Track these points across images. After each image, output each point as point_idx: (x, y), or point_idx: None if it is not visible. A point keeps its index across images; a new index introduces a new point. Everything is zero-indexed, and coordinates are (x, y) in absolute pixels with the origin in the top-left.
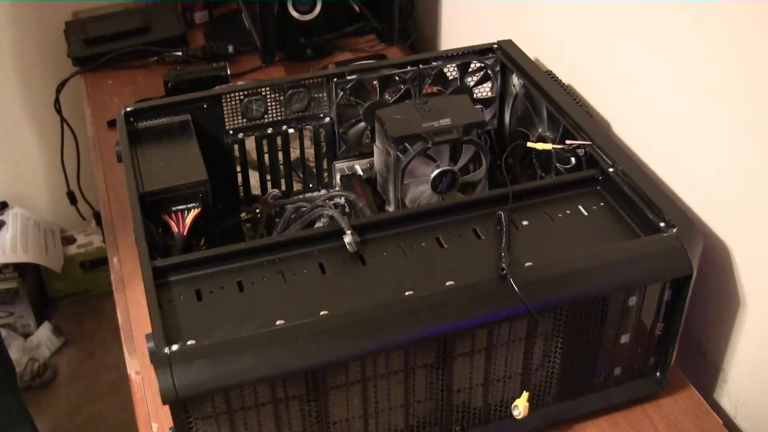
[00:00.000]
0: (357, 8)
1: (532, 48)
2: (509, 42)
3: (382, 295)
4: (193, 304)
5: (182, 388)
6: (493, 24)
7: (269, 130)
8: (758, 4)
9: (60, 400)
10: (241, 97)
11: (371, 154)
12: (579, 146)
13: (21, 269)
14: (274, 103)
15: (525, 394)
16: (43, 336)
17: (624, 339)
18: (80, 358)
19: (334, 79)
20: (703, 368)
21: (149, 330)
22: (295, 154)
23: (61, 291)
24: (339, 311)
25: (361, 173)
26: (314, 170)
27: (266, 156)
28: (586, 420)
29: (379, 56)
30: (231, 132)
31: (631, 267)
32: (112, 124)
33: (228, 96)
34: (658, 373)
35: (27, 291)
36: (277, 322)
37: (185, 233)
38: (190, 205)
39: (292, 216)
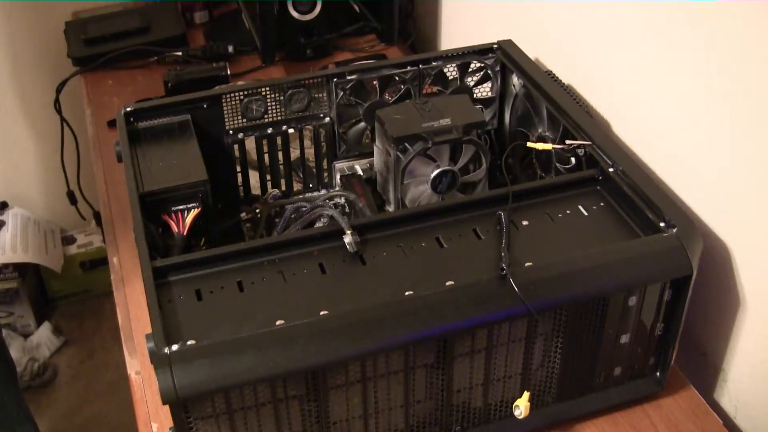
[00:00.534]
0: (357, 8)
1: (532, 48)
2: (509, 42)
3: (382, 295)
4: (193, 304)
5: (182, 388)
6: (493, 24)
7: (269, 130)
8: (758, 4)
9: (60, 400)
10: (241, 97)
11: (371, 154)
12: (579, 146)
13: (21, 269)
14: (274, 103)
15: (526, 394)
16: (43, 336)
17: (624, 339)
18: (80, 358)
19: (334, 79)
20: (703, 368)
21: (149, 330)
22: (295, 154)
23: (61, 291)
24: (339, 311)
25: (361, 173)
26: (314, 170)
27: (266, 156)
28: (586, 420)
29: (379, 56)
30: (231, 132)
31: (631, 267)
32: (112, 124)
33: (228, 96)
34: (658, 373)
35: (27, 291)
36: (277, 322)
37: (185, 233)
38: (190, 205)
39: (292, 216)
